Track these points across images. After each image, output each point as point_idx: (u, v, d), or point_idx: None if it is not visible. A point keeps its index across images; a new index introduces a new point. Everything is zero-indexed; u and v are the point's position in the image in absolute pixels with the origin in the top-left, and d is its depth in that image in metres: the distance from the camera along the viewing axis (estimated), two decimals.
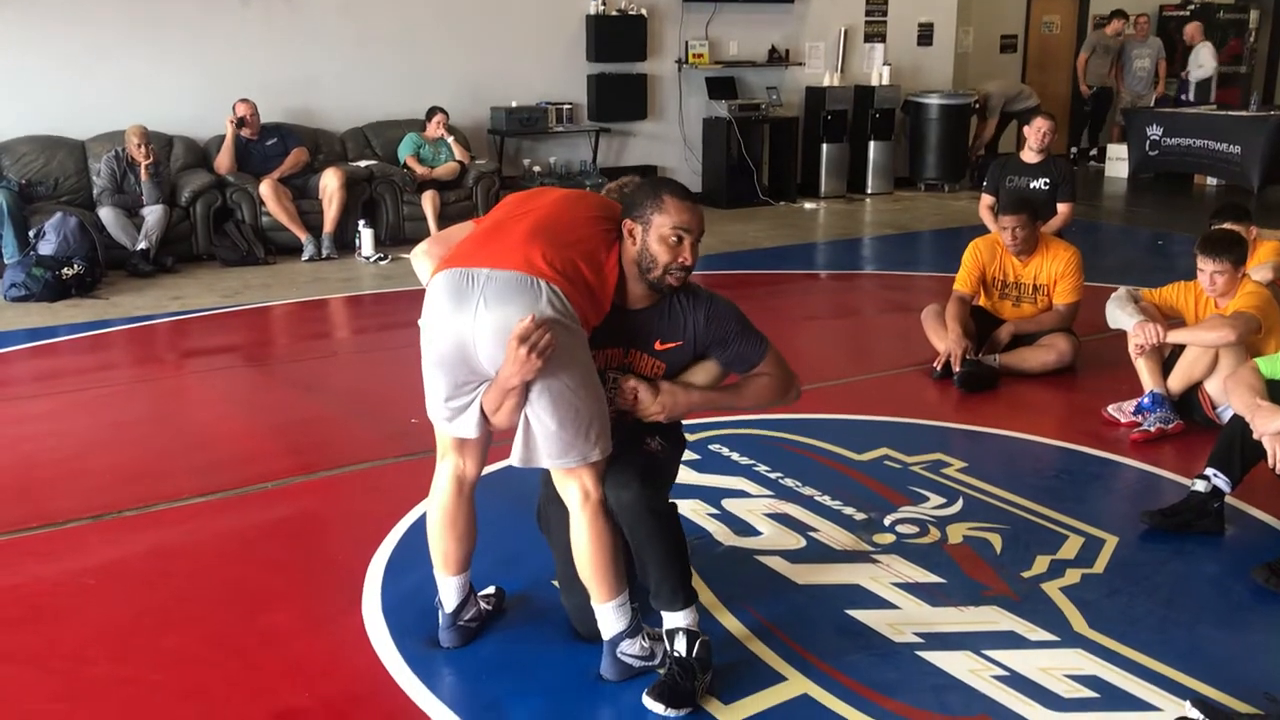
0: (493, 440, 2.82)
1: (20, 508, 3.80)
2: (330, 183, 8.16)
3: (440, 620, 2.92)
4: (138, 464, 4.22)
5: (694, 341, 2.81)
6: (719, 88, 10.62)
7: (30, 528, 3.64)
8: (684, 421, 3.05)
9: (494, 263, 2.52)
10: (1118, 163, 12.48)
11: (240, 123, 8.17)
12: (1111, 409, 4.67)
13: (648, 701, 2.60)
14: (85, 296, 6.96)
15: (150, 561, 3.47)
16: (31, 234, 7.17)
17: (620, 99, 10.24)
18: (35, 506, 3.82)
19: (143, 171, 7.62)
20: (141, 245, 7.56)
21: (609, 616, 2.70)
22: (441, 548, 2.86)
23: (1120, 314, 4.66)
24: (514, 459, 2.65)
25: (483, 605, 3.02)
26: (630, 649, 2.72)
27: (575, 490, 2.65)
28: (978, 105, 11.96)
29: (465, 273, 2.52)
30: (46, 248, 7.03)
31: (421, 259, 2.83)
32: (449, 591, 2.90)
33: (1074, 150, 13.57)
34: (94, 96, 8.15)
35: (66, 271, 6.94)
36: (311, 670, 2.82)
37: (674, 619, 2.70)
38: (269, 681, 2.78)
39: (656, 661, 2.71)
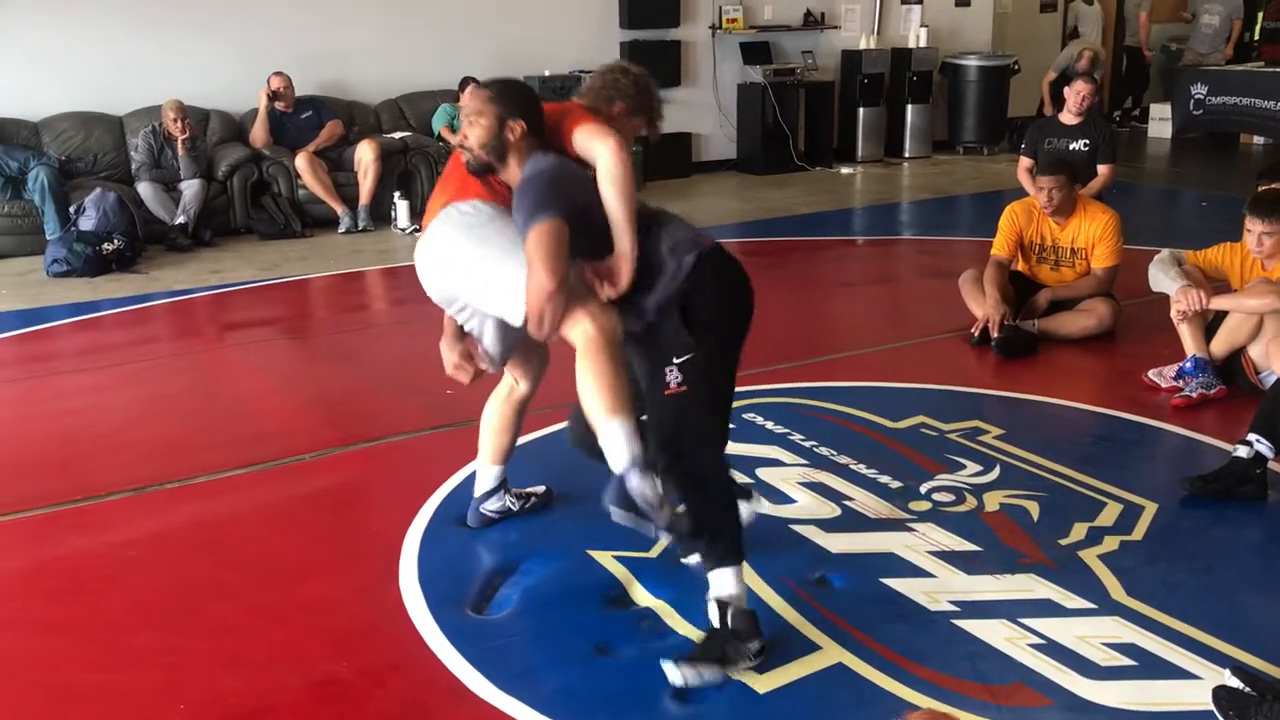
0: (547, 364, 3.24)
1: (63, 480, 3.86)
2: (365, 155, 8.18)
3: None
4: (178, 436, 4.27)
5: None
6: (754, 53, 10.52)
7: (73, 500, 3.70)
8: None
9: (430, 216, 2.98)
10: (1160, 123, 12.25)
11: (274, 95, 8.20)
12: (1152, 374, 4.60)
13: (666, 669, 2.59)
14: (125, 271, 7.04)
15: (191, 533, 3.52)
16: (72, 210, 7.24)
17: (654, 66, 9.89)
18: (78, 479, 3.87)
19: (180, 146, 7.67)
20: (180, 220, 7.63)
21: (613, 439, 2.54)
22: (482, 438, 3.32)
23: (1163, 278, 4.59)
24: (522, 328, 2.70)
25: (509, 502, 3.38)
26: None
27: (575, 339, 2.63)
28: (1017, 67, 11.73)
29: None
30: (87, 223, 7.11)
31: None
32: (480, 477, 3.35)
33: (1118, 113, 13.33)
34: (131, 72, 8.20)
35: (107, 247, 7.01)
36: (350, 639, 2.85)
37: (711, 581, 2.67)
38: (308, 650, 2.81)
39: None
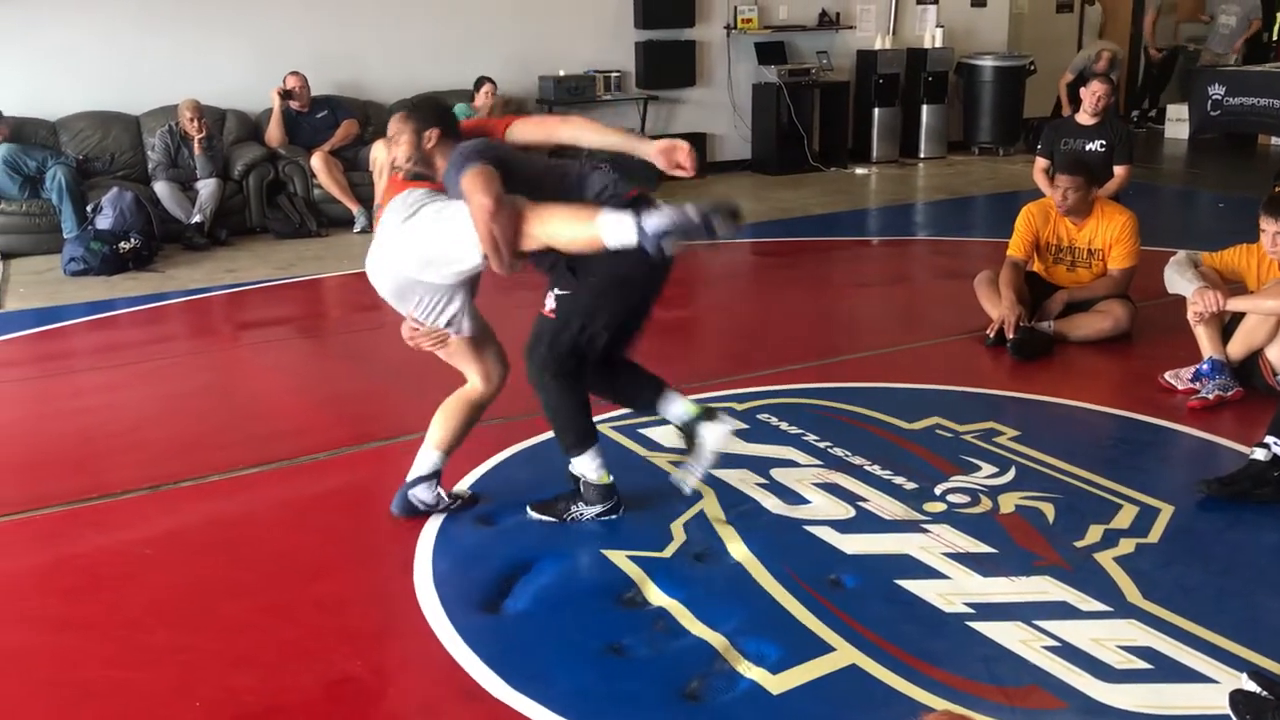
0: (506, 369, 3.45)
1: (80, 479, 3.88)
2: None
3: None
4: (194, 435, 4.29)
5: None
6: (768, 53, 10.50)
7: (90, 498, 3.72)
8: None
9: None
10: (1178, 124, 12.18)
11: (287, 94, 8.22)
12: (1168, 376, 4.58)
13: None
14: (142, 270, 7.07)
15: (207, 531, 3.53)
16: (89, 209, 7.28)
17: (668, 66, 10.16)
18: (94, 477, 3.89)
19: (196, 146, 7.70)
20: (196, 219, 7.66)
21: (423, 458, 3.43)
22: (433, 423, 3.45)
23: (1179, 279, 4.56)
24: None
25: (440, 495, 3.47)
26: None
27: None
28: (1033, 68, 11.69)
29: None
30: (104, 222, 7.14)
31: None
32: (419, 459, 3.45)
33: (1135, 113, 13.27)
34: (148, 72, 8.24)
35: (123, 245, 7.04)
36: (363, 638, 2.86)
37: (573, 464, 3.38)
38: (322, 649, 2.82)
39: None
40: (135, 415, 4.57)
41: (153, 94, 8.16)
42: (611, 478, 3.43)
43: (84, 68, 8.09)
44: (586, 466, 3.40)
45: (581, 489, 3.42)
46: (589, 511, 3.43)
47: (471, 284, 3.31)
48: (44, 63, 7.99)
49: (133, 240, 7.10)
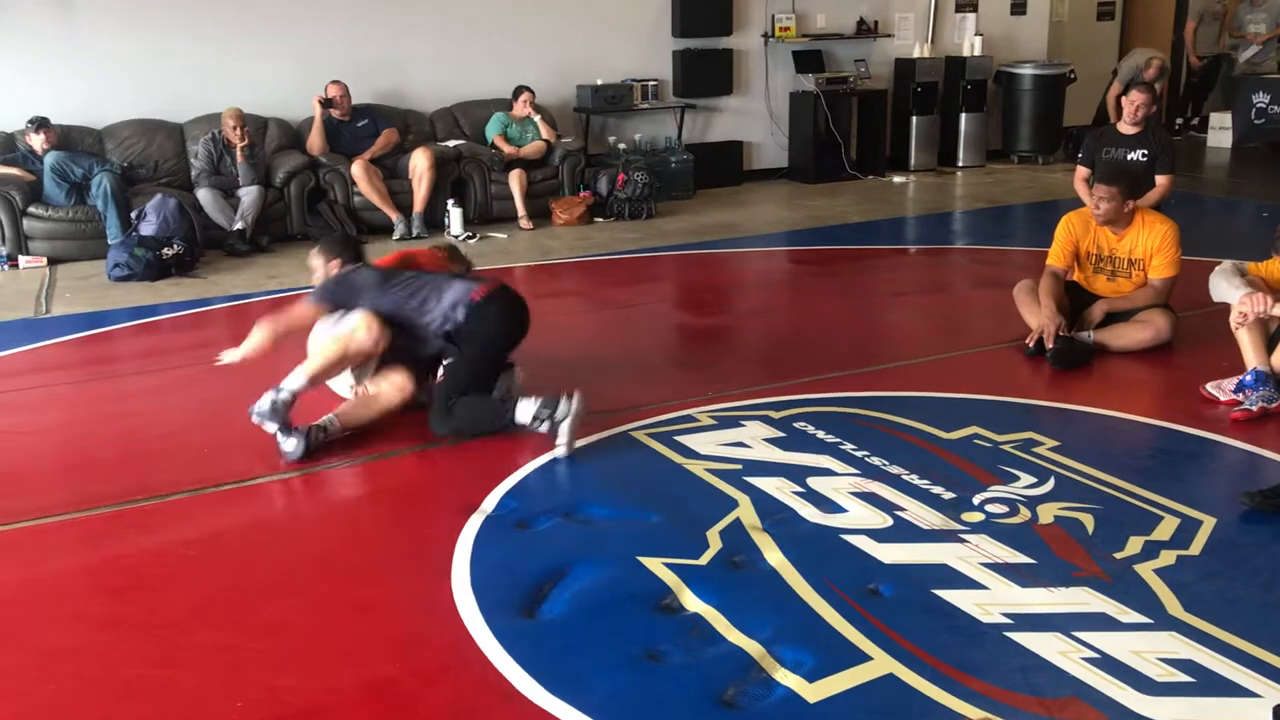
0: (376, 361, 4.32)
1: (125, 480, 3.94)
2: (419, 163, 8.27)
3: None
4: (236, 438, 4.33)
5: None
6: (806, 61, 10.51)
7: (134, 500, 3.77)
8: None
9: None
10: (1221, 132, 12.06)
11: (328, 103, 8.31)
12: (1210, 387, 4.53)
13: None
14: (185, 276, 7.17)
15: (249, 534, 3.58)
16: (133, 215, 7.39)
17: (706, 74, 10.19)
18: (139, 479, 3.95)
19: (239, 153, 7.80)
20: (238, 225, 7.75)
21: (294, 377, 4.16)
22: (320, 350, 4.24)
23: (1226, 286, 4.50)
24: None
25: (285, 423, 4.05)
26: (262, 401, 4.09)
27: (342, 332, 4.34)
28: (1073, 76, 11.60)
29: None
30: (147, 228, 7.24)
31: None
32: (293, 375, 4.13)
33: (1179, 121, 13.14)
34: (192, 81, 8.37)
35: (166, 251, 7.14)
36: (402, 641, 2.89)
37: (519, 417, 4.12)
38: (361, 651, 2.85)
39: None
40: (178, 419, 4.63)
41: (196, 102, 8.29)
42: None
43: (130, 77, 8.23)
44: (526, 411, 4.05)
45: (540, 413, 4.03)
46: (562, 411, 3.99)
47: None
48: (92, 72, 8.14)
49: (176, 246, 7.20)
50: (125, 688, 2.73)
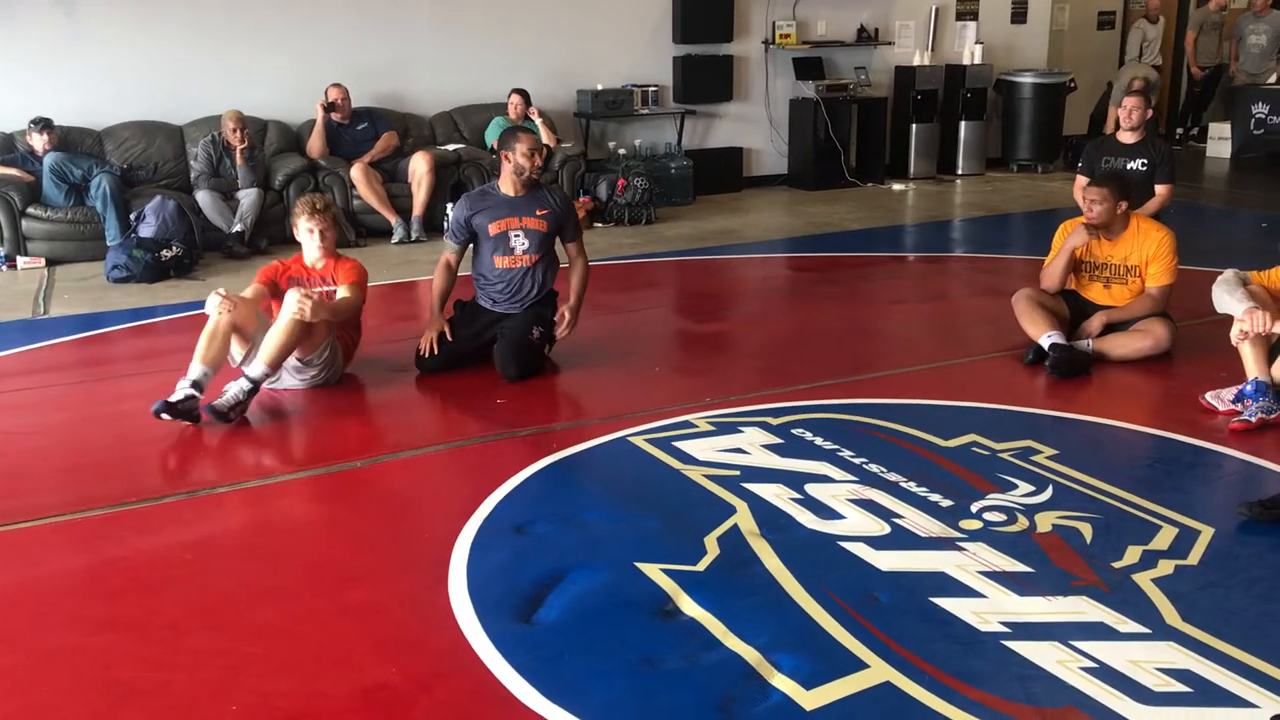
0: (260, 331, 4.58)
1: (121, 483, 3.93)
2: (419, 166, 8.27)
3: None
4: (232, 441, 4.33)
5: (556, 213, 5.08)
6: (806, 68, 10.52)
7: (130, 502, 3.76)
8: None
9: None
10: (1220, 142, 12.08)
11: (330, 107, 8.32)
12: (1209, 396, 4.53)
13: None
14: (183, 278, 7.16)
15: (244, 537, 3.57)
16: (132, 217, 7.39)
17: (706, 80, 10.19)
18: (135, 482, 3.94)
19: (238, 156, 7.80)
20: (237, 228, 7.75)
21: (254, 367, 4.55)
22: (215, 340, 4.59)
23: (1228, 298, 4.47)
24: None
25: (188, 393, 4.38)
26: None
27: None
28: (1073, 85, 11.62)
29: None
30: (146, 230, 7.24)
31: None
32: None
33: (1179, 131, 13.15)
34: (192, 83, 8.37)
35: (165, 253, 7.14)
36: (398, 646, 2.88)
37: None
38: (357, 656, 2.84)
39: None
40: (175, 421, 4.61)
41: (196, 105, 8.29)
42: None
43: (130, 79, 8.23)
44: None
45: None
46: None
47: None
48: (92, 74, 8.14)
49: (174, 248, 7.19)
50: (120, 690, 2.71)
